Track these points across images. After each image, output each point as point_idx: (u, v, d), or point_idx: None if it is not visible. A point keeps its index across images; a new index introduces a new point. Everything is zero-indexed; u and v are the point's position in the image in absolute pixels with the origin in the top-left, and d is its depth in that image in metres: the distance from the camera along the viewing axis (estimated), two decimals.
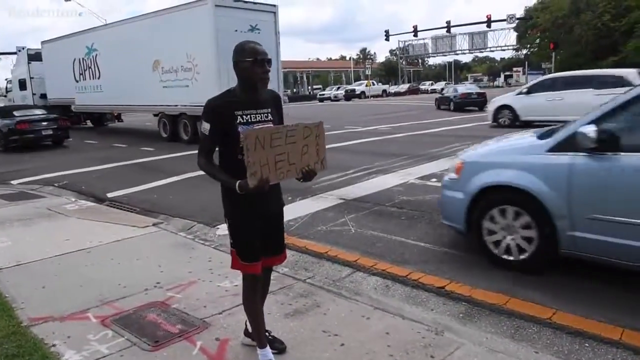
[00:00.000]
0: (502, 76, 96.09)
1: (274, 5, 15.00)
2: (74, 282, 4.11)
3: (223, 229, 5.71)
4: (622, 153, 3.39)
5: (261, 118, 2.48)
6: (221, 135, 2.43)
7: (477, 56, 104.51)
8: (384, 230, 5.35)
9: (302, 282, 3.93)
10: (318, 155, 2.38)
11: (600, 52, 22.78)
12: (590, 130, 3.40)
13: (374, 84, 47.89)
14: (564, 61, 25.64)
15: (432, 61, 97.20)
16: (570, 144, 3.61)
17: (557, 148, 3.74)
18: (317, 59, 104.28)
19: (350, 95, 46.88)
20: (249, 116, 2.43)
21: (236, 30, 13.28)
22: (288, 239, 4.96)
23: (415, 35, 42.75)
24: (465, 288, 3.79)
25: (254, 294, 2.72)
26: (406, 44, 67.00)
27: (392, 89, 54.52)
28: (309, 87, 75.95)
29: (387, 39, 45.85)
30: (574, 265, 3.90)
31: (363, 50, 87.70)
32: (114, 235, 5.42)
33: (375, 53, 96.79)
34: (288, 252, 4.68)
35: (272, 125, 2.49)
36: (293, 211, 6.05)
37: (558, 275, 3.92)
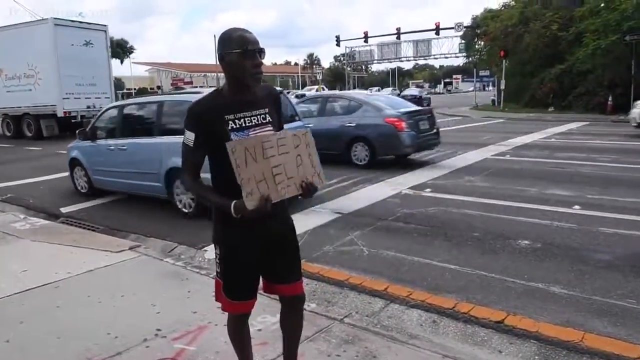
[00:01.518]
0: (443, 83, 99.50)
1: (105, 25, 18.81)
2: (48, 331, 3.24)
3: (212, 251, 4.96)
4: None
5: (258, 121, 2.04)
6: (209, 145, 1.99)
7: (417, 63, 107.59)
8: (400, 250, 4.79)
9: (338, 322, 3.27)
10: (313, 166, 2.03)
11: (547, 60, 23.59)
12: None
13: (324, 89, 47.52)
14: (513, 68, 26.42)
15: (375, 68, 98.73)
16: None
17: None
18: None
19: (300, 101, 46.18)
20: (242, 120, 2.00)
21: (72, 44, 17.10)
22: None
23: (366, 42, 42.83)
24: (528, 322, 3.29)
25: (242, 335, 2.34)
26: (353, 50, 67.36)
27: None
28: None
29: (337, 45, 45.77)
30: None
31: (310, 56, 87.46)
32: (85, 264, 4.52)
33: (319, 58, 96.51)
34: None
35: (271, 128, 2.07)
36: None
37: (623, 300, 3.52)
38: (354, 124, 9.61)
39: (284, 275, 2.22)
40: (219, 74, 53.92)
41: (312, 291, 4.01)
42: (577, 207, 6.03)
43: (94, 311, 3.54)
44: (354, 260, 4.60)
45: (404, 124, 9.08)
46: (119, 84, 45.26)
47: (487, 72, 38.67)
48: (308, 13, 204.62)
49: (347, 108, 10.07)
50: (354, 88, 66.35)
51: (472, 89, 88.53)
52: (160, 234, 5.68)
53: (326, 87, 56.54)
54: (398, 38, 42.17)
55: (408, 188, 7.51)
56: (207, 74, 59.85)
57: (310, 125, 7.28)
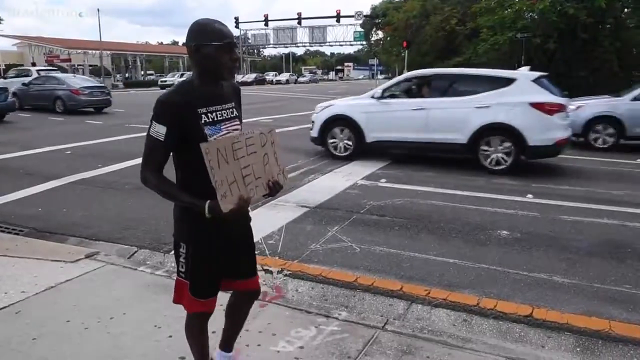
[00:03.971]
0: (335, 70, 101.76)
1: None
2: None
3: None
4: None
5: (227, 115, 2.04)
6: (180, 140, 1.92)
7: (308, 50, 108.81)
8: (392, 245, 4.67)
9: (381, 330, 3.05)
10: (278, 164, 2.06)
11: (445, 52, 25.04)
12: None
13: None
14: (413, 59, 27.67)
15: (267, 52, 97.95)
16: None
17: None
18: (147, 42, 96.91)
19: None
20: (214, 114, 1.98)
21: None
22: (290, 266, 4.07)
23: (266, 25, 42.11)
24: (554, 314, 3.36)
25: (203, 335, 2.32)
26: (245, 32, 66.06)
27: (239, 78, 53.22)
28: (142, 73, 70.07)
29: (236, 26, 44.40)
30: None
31: None
32: (38, 279, 3.76)
33: None
34: (305, 284, 3.82)
35: (238, 123, 2.10)
36: (256, 225, 4.99)
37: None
38: None
39: (245, 271, 2.27)
40: (102, 52, 49.58)
41: (321, 295, 3.75)
42: (530, 195, 6.40)
43: (86, 343, 2.92)
44: (349, 259, 4.38)
45: None
46: None
47: (376, 61, 40.23)
48: None
49: None
50: (250, 72, 65.28)
51: (362, 76, 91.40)
52: (105, 235, 5.00)
53: None
54: (299, 23, 41.98)
55: (362, 179, 7.43)
56: (89, 51, 54.67)
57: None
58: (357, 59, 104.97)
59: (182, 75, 48.74)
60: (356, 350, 2.81)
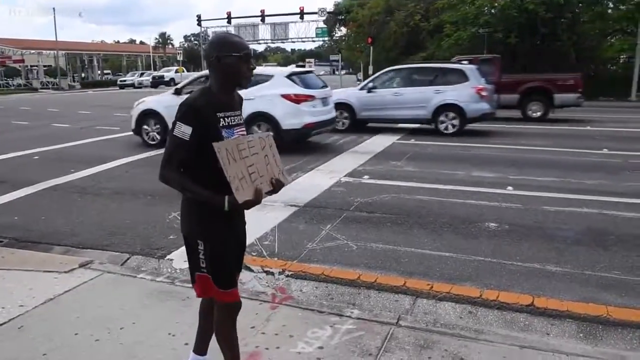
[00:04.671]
0: (296, 66, 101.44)
1: None
2: None
3: (179, 259, 4.39)
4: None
5: (238, 120, 2.26)
6: (201, 141, 2.07)
7: (269, 46, 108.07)
8: (387, 241, 4.75)
9: (395, 326, 3.10)
10: (278, 165, 2.24)
11: (409, 47, 25.42)
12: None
13: (184, 71, 45.01)
14: (378, 55, 27.96)
15: None
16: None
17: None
18: (102, 41, 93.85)
19: (158, 82, 43.18)
20: (229, 119, 2.19)
21: None
22: (291, 266, 4.11)
23: (229, 22, 41.50)
24: (554, 302, 3.52)
25: (234, 330, 2.38)
26: (205, 30, 64.95)
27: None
28: (100, 73, 67.94)
29: (199, 24, 43.63)
30: None
31: (162, 35, 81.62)
32: (34, 291, 3.63)
33: (172, 38, 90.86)
34: (309, 283, 3.87)
35: (244, 128, 2.30)
36: (248, 226, 4.96)
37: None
38: None
39: (238, 268, 2.44)
40: (57, 52, 47.76)
41: (327, 294, 3.79)
42: (510, 188, 6.61)
43: (99, 355, 2.84)
44: (347, 257, 4.43)
45: None
46: None
47: (340, 57, 40.40)
48: None
49: None
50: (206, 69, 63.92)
51: (323, 72, 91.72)
52: (91, 242, 4.90)
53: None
54: (262, 20, 41.62)
55: (345, 176, 7.48)
56: (43, 51, 52.62)
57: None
58: (318, 55, 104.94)
59: (142, 74, 47.65)
60: (376, 348, 2.86)
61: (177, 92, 10.19)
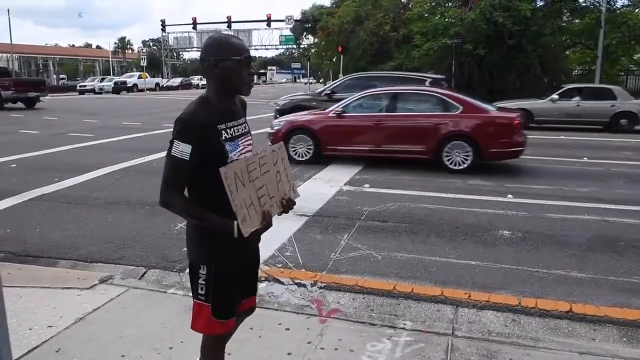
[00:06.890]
0: (258, 74, 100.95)
1: None
2: None
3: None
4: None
5: (242, 130, 2.03)
6: (202, 159, 1.87)
7: None
8: (409, 250, 4.76)
9: (452, 337, 3.10)
10: (289, 180, 2.08)
11: (378, 57, 25.76)
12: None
13: (147, 77, 43.92)
14: (347, 64, 28.21)
15: (188, 55, 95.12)
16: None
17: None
18: (57, 44, 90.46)
19: (120, 88, 41.94)
20: (232, 129, 1.97)
21: None
22: (322, 278, 4.06)
23: (194, 28, 40.95)
24: (591, 308, 3.61)
25: (222, 356, 2.27)
26: (165, 36, 63.79)
27: (163, 82, 51.27)
28: (55, 77, 65.37)
29: (163, 30, 42.81)
30: None
31: (122, 40, 79.36)
32: (58, 310, 3.41)
33: (132, 43, 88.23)
34: (344, 295, 3.83)
35: (251, 138, 2.09)
36: (262, 236, 4.88)
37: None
38: None
39: (252, 288, 2.28)
40: (12, 55, 45.63)
41: (367, 305, 3.75)
42: (510, 196, 6.77)
43: None
44: (375, 267, 4.40)
45: None
46: None
47: (307, 64, 40.53)
48: None
49: None
50: (168, 76, 63.07)
51: (285, 80, 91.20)
52: (99, 256, 4.69)
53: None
54: (229, 27, 41.23)
55: (345, 184, 7.47)
56: None
57: None
58: (279, 63, 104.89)
59: (102, 80, 46.17)
60: None
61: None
